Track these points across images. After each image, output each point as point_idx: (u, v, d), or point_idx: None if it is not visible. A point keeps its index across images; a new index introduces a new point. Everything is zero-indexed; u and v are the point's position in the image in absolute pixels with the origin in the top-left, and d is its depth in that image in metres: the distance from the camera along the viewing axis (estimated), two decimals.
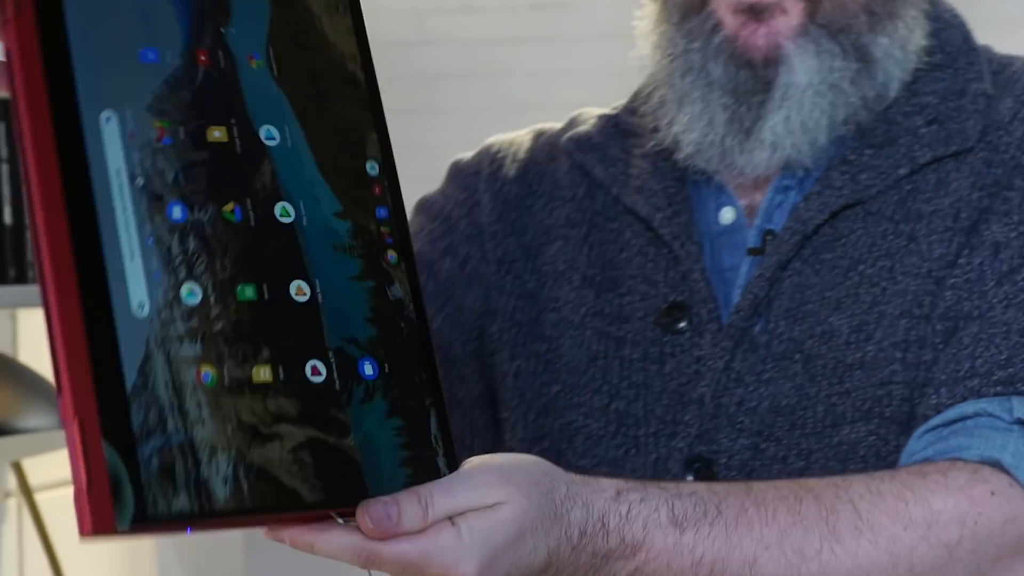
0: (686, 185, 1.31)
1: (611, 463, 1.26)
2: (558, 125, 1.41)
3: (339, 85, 0.97)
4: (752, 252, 1.27)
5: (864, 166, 1.27)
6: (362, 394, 0.92)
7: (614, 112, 1.38)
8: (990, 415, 1.16)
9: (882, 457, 1.20)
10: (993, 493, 1.12)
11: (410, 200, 1.40)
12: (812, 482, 1.11)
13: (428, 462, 0.94)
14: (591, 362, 1.29)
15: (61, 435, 0.92)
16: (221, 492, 0.86)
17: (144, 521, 0.83)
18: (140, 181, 0.87)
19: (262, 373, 0.89)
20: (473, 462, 0.97)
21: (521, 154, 1.39)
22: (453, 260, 1.34)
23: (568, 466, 1.27)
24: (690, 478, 1.22)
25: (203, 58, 0.92)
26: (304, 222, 0.93)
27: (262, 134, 0.93)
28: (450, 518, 0.93)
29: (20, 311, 2.65)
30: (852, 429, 1.21)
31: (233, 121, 0.92)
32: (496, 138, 1.42)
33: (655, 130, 1.31)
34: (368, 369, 0.93)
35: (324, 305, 0.92)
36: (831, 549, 1.08)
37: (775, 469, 1.21)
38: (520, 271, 1.34)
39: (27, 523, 2.58)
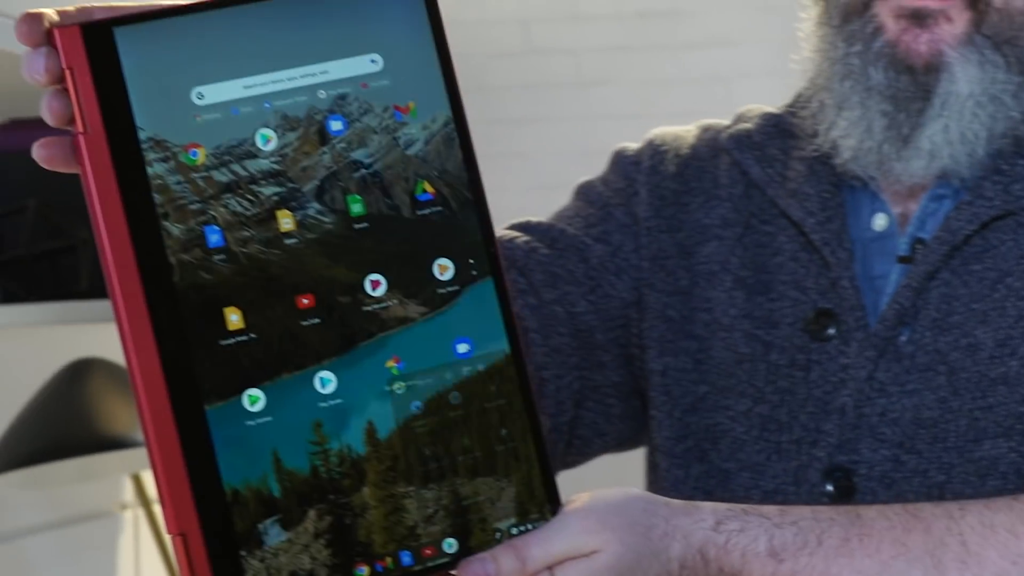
0: (841, 190, 1.30)
1: (753, 468, 1.27)
2: (724, 122, 1.41)
3: None
4: (902, 260, 1.27)
5: (1017, 176, 1.25)
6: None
7: (777, 111, 1.38)
8: None
9: (1022, 474, 1.19)
10: None
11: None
12: (927, 511, 1.10)
13: (529, 509, 0.97)
14: (738, 365, 1.29)
15: None
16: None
17: None
18: None
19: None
20: (575, 503, 1.00)
21: (684, 150, 1.39)
22: (606, 247, 1.35)
23: (712, 467, 1.28)
24: (829, 488, 1.23)
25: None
26: None
27: None
28: (549, 567, 0.97)
29: None
30: (993, 445, 1.20)
31: None
32: (660, 130, 1.43)
33: (814, 134, 1.31)
34: None
35: None
36: None
37: (915, 482, 1.21)
38: (673, 268, 1.34)
39: (144, 534, 2.63)
